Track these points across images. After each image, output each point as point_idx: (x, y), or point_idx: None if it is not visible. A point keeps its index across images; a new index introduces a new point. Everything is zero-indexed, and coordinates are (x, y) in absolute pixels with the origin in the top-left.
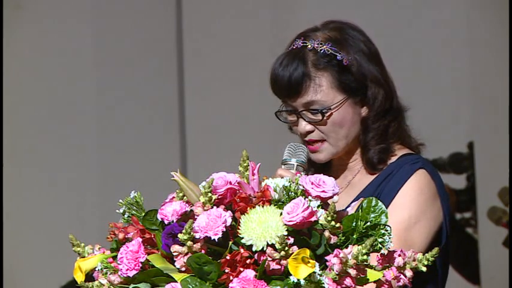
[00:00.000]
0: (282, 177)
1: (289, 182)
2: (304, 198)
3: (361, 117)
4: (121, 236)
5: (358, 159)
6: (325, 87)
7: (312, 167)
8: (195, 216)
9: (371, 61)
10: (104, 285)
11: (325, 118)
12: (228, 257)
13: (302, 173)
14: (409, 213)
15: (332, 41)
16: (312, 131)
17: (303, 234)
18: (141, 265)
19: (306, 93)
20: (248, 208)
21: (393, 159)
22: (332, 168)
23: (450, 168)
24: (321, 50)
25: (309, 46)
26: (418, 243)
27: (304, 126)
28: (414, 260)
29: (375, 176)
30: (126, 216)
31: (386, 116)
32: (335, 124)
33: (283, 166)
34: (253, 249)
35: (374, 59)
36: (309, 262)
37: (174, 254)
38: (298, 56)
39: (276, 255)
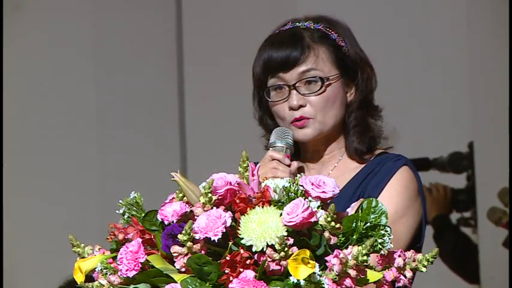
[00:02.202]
0: (272, 159)
1: (289, 182)
2: (304, 199)
3: (347, 100)
4: (121, 236)
5: (334, 152)
6: (323, 58)
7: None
8: (195, 217)
9: (360, 49)
10: (103, 285)
11: (323, 87)
12: (228, 258)
13: (290, 155)
14: (395, 208)
15: (324, 22)
16: (304, 106)
17: (302, 234)
18: (140, 266)
19: (305, 62)
20: (248, 209)
21: (373, 156)
22: (307, 163)
23: (449, 168)
24: (314, 27)
25: (301, 26)
26: (403, 238)
27: (296, 100)
28: (414, 261)
29: (355, 172)
30: (126, 216)
31: (368, 107)
32: (328, 99)
33: (271, 149)
34: (253, 249)
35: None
36: (308, 263)
37: (174, 254)
38: (293, 32)
39: (276, 255)
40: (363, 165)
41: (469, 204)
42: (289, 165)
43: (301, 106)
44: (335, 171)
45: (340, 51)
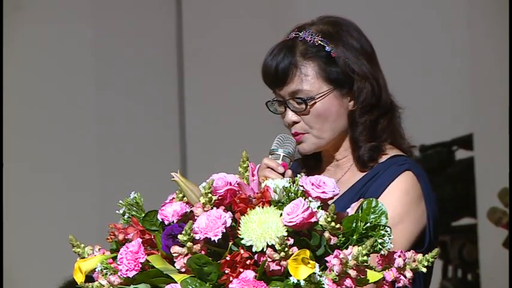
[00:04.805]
0: (266, 166)
1: (289, 182)
2: (304, 199)
3: (348, 110)
4: (121, 236)
5: (348, 156)
6: (311, 76)
7: (304, 166)
8: (195, 217)
9: (361, 56)
10: (103, 285)
11: (308, 108)
12: (228, 258)
13: (288, 164)
14: (393, 212)
15: (323, 33)
16: (298, 122)
17: (303, 235)
18: (140, 266)
19: (292, 81)
20: (248, 209)
21: (384, 158)
22: (323, 165)
23: None
24: (310, 40)
25: (300, 37)
26: (399, 243)
27: (290, 116)
28: (414, 261)
29: (363, 174)
30: (126, 217)
31: (373, 111)
32: (319, 115)
33: (270, 156)
34: (253, 250)
35: (364, 54)
36: (309, 263)
37: (174, 254)
38: (287, 45)
39: (276, 256)
40: (375, 165)
41: None
42: (283, 174)
43: (295, 122)
44: (348, 173)
45: (332, 64)
